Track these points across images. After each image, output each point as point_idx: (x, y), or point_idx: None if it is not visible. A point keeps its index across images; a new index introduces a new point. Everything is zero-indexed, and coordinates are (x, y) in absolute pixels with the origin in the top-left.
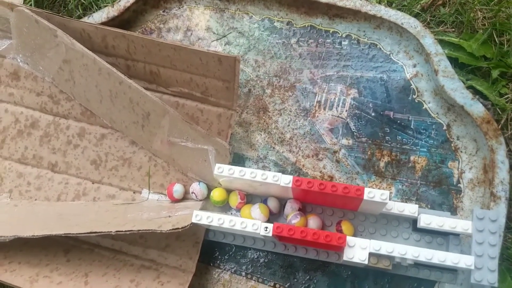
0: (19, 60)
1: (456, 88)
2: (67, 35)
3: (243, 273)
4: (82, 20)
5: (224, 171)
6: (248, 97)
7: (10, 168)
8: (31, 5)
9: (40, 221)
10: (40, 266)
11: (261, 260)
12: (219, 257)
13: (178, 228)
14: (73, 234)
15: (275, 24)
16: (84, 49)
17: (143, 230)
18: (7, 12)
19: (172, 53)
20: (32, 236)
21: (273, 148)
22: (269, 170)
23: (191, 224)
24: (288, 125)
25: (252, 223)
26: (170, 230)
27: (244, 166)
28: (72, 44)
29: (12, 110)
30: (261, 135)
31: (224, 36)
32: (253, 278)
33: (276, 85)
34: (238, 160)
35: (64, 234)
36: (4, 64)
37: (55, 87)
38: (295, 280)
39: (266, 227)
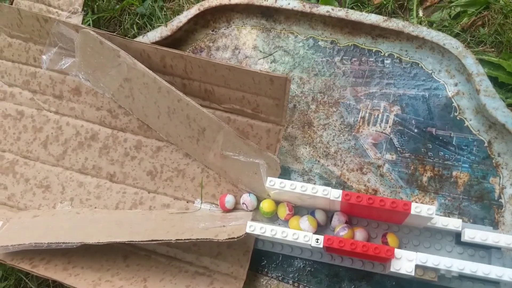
0: (81, 77)
1: (497, 107)
2: (129, 55)
3: (290, 281)
4: (137, 39)
5: (275, 184)
6: (293, 112)
7: (71, 178)
8: (89, 24)
9: (102, 228)
10: (102, 271)
11: (308, 269)
12: (267, 265)
13: (233, 238)
14: (136, 241)
15: (320, 43)
16: (145, 69)
17: (201, 239)
18: (72, 33)
19: (226, 73)
20: (98, 243)
21: (318, 161)
22: (314, 183)
23: (245, 234)
24: (333, 140)
25: (303, 234)
26: (226, 239)
27: (289, 179)
28: (134, 64)
29: (73, 123)
30: (306, 148)
31: (271, 55)
32: (300, 286)
33: (320, 101)
34: (284, 172)
35: (127, 241)
36: (66, 80)
37: (114, 102)
38: None
39: (317, 239)
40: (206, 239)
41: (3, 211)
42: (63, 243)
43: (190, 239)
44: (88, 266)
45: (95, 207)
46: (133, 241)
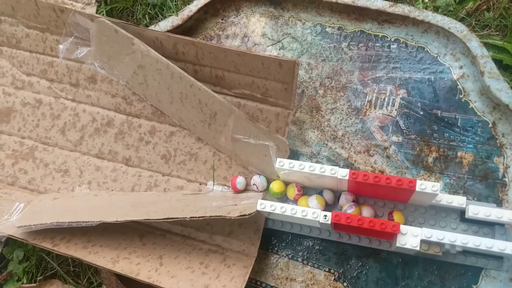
0: (96, 65)
1: (501, 88)
2: (143, 43)
3: (300, 259)
4: (150, 28)
5: (285, 164)
6: (302, 98)
7: (89, 162)
8: (103, 15)
9: (119, 208)
10: (120, 249)
11: (316, 247)
12: (277, 244)
13: (245, 215)
14: (152, 219)
15: (327, 29)
16: (159, 56)
17: (214, 216)
18: (87, 22)
19: (236, 59)
20: (116, 221)
21: (326, 144)
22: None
23: (256, 211)
24: (340, 123)
25: (312, 211)
26: (238, 216)
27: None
28: (148, 51)
29: (89, 110)
30: (314, 132)
31: (279, 42)
32: (309, 264)
33: (328, 86)
34: (292, 155)
35: (144, 220)
36: (82, 69)
37: (128, 89)
38: (348, 266)
39: (325, 215)
40: (219, 216)
41: (24, 195)
42: (83, 222)
43: (204, 216)
44: (106, 244)
45: (112, 190)
46: (149, 219)
